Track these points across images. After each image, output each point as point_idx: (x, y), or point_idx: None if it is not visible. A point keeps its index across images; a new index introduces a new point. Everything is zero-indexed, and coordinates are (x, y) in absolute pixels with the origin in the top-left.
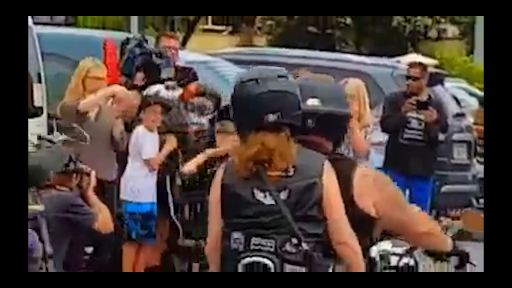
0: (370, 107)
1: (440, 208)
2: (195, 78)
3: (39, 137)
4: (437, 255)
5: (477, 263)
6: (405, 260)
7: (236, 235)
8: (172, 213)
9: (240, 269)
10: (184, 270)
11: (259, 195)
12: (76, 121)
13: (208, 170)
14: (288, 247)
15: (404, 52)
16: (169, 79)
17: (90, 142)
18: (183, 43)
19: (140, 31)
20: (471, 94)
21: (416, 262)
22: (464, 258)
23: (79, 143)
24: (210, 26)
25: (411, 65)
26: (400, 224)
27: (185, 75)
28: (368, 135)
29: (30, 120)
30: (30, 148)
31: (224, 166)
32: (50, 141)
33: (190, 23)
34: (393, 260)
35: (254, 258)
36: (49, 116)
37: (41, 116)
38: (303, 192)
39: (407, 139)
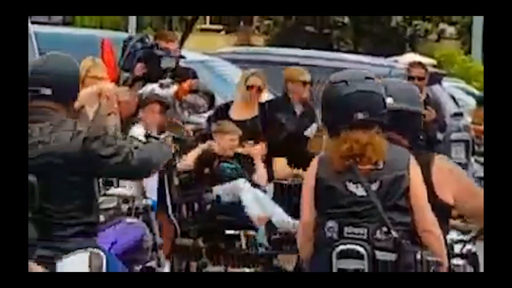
0: None
1: None
2: (194, 78)
3: (147, 136)
4: None
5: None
6: (468, 247)
7: (330, 223)
8: (169, 212)
9: (334, 256)
10: (181, 270)
11: (352, 187)
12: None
13: (206, 169)
14: (379, 234)
15: (402, 52)
16: (169, 69)
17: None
18: (181, 43)
19: (141, 32)
20: (469, 93)
21: (476, 249)
22: None
23: (182, 139)
24: (207, 25)
25: (413, 65)
26: (474, 211)
27: (185, 75)
28: None
29: None
30: (137, 143)
31: (317, 160)
32: (155, 138)
33: (188, 22)
34: (457, 248)
35: (348, 246)
36: None
37: None
38: (392, 184)
39: None
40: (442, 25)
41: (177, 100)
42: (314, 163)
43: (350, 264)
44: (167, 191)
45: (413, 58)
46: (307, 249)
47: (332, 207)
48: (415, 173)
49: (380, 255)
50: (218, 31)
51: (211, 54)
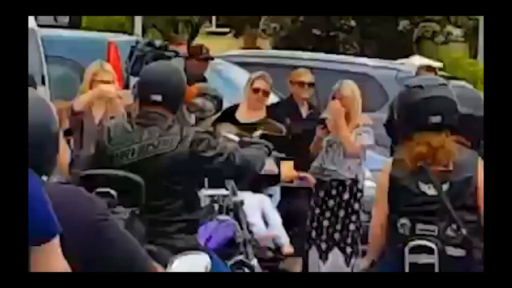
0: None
1: None
2: (204, 81)
3: (240, 135)
4: None
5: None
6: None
7: (403, 220)
8: None
9: (406, 252)
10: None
11: (424, 187)
12: (73, 120)
13: None
14: (449, 232)
15: (408, 55)
16: None
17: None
18: (187, 46)
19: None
20: None
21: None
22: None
23: (277, 136)
24: (213, 28)
25: (426, 68)
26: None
27: (194, 78)
28: (358, 135)
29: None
30: (233, 144)
31: (391, 161)
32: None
33: (194, 25)
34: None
35: (420, 242)
36: None
37: None
38: (462, 185)
39: None
40: (448, 28)
41: (185, 103)
42: (388, 164)
43: (422, 259)
44: None
45: (419, 60)
46: (377, 245)
47: (405, 205)
48: (482, 175)
49: (450, 251)
50: (224, 34)
51: (217, 57)
